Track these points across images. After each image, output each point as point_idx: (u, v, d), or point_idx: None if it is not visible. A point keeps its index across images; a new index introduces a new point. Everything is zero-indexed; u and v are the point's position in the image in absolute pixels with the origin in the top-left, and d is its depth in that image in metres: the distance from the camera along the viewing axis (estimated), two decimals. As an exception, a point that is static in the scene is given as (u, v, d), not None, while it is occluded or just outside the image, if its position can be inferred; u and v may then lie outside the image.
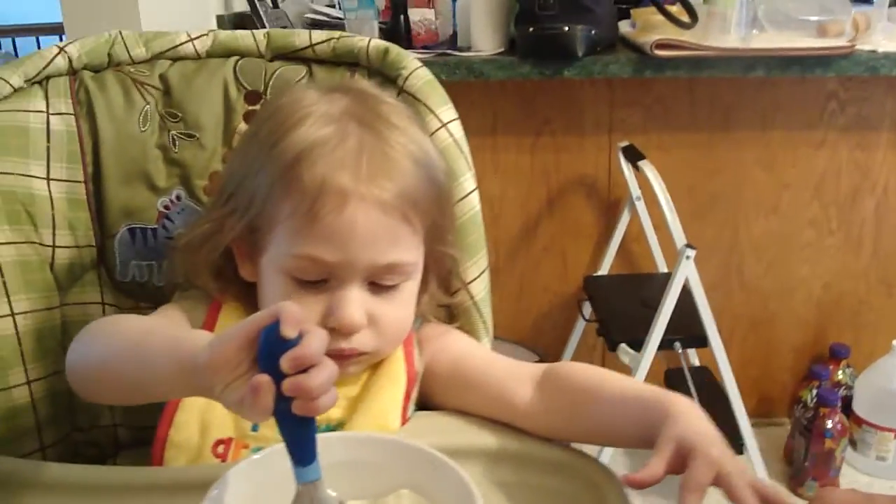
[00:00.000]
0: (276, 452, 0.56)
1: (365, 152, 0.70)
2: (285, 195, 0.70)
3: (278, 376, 0.51)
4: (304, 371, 0.51)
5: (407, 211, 0.71)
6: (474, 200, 0.87)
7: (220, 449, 0.73)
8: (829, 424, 1.83)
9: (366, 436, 0.68)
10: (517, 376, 0.75)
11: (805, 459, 1.87)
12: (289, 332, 0.51)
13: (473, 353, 0.81)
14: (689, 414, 0.62)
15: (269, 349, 0.51)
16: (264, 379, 0.51)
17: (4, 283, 0.82)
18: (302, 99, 0.74)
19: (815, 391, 1.92)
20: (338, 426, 0.74)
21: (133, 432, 0.89)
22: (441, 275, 0.83)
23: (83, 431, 0.89)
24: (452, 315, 0.87)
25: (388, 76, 0.89)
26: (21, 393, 0.83)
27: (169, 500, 0.65)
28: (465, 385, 0.77)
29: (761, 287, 2.05)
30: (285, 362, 0.51)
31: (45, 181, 0.84)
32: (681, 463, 0.59)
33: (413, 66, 0.89)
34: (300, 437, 0.54)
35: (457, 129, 0.88)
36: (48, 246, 0.85)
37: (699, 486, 0.56)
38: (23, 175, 0.83)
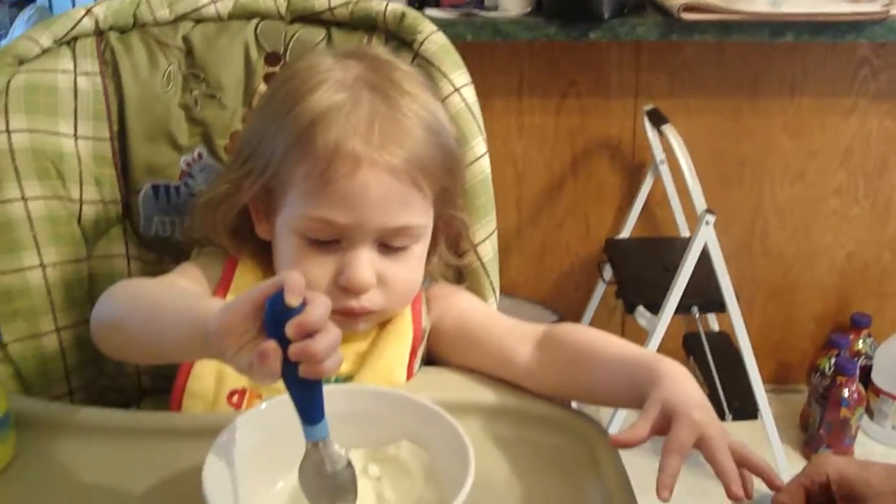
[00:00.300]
0: (283, 402, 0.59)
1: (377, 119, 0.73)
2: (300, 159, 0.73)
3: (285, 342, 0.54)
4: (310, 336, 0.54)
5: (416, 176, 0.73)
6: (484, 164, 0.89)
7: (235, 398, 0.76)
8: (846, 393, 1.84)
9: (369, 388, 0.72)
10: (518, 335, 0.78)
11: (820, 427, 1.88)
12: (292, 300, 0.54)
13: (477, 311, 0.84)
14: (677, 378, 0.64)
15: (275, 317, 0.54)
16: (271, 345, 0.54)
17: (35, 236, 0.85)
18: (318, 65, 0.76)
19: (833, 359, 1.92)
20: (346, 380, 0.77)
21: (156, 380, 0.94)
22: (450, 237, 0.85)
23: (109, 378, 0.93)
24: (461, 275, 0.90)
25: (404, 40, 0.90)
26: (51, 340, 0.87)
27: (185, 444, 0.69)
28: (468, 342, 0.80)
29: (784, 254, 2.05)
30: (290, 329, 0.53)
31: (73, 139, 0.88)
32: (666, 425, 0.61)
33: (429, 30, 0.90)
34: (307, 398, 0.57)
35: (469, 93, 0.89)
36: (76, 201, 0.88)
37: (680, 448, 0.58)
38: (52, 132, 0.86)
